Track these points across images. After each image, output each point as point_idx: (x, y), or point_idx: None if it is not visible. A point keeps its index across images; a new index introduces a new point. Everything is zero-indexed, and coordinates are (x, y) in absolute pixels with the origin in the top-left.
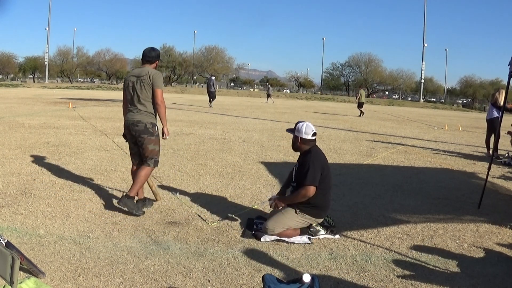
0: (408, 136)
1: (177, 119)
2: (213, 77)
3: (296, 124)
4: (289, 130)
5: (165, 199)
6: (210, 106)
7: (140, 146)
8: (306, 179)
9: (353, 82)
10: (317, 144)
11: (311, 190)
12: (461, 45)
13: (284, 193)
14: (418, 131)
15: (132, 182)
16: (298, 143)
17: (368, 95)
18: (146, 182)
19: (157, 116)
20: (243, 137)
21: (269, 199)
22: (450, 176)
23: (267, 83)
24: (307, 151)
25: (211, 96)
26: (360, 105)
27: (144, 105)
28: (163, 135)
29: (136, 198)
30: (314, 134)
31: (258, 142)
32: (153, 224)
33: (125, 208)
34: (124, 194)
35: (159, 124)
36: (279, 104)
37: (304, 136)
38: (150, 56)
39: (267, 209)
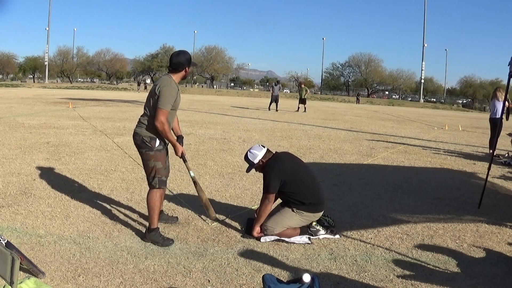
0: (408, 136)
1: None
2: (278, 84)
3: (245, 158)
4: (248, 170)
5: (165, 199)
6: (277, 110)
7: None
8: (263, 189)
9: (353, 82)
10: (287, 150)
11: (269, 197)
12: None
13: None
14: (418, 131)
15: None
16: (260, 167)
17: (368, 95)
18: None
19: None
20: (243, 137)
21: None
22: (450, 176)
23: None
24: (266, 164)
25: (275, 100)
26: (301, 101)
27: (148, 118)
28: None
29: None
30: (262, 147)
31: (258, 142)
32: None
33: (154, 244)
34: (146, 228)
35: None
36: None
37: (259, 158)
38: (173, 61)
39: None
